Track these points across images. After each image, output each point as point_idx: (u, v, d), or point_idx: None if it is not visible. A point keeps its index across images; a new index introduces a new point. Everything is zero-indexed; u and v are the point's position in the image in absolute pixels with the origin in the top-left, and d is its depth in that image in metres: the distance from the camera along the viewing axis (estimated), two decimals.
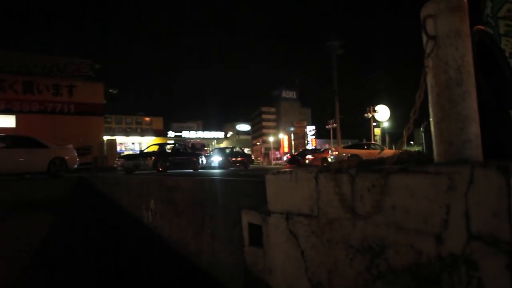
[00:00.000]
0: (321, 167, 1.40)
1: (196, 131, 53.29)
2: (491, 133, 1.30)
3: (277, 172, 1.62)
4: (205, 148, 24.10)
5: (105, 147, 27.42)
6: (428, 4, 1.18)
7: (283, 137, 55.29)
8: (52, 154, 10.97)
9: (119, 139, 37.42)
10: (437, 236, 0.92)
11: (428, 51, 1.22)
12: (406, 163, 1.16)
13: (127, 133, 41.86)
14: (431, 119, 1.24)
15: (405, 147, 1.36)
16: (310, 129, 52.95)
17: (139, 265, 2.32)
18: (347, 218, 1.21)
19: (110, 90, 29.63)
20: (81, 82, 28.57)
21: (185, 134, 48.39)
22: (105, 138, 30.23)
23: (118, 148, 31.70)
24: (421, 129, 1.88)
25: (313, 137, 52.13)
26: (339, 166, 1.36)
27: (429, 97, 1.22)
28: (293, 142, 51.38)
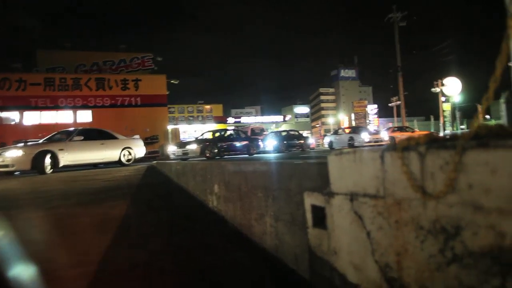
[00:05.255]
0: (387, 145, 1.34)
1: (255, 116, 53.91)
2: None
3: (340, 152, 1.57)
4: (264, 133, 24.31)
5: (169, 136, 28.88)
6: None
7: (342, 118, 53.68)
8: (122, 144, 11.91)
9: (182, 127, 39.22)
10: None
11: (511, 11, 1.08)
12: (484, 138, 1.06)
13: (189, 122, 43.61)
14: None
15: (481, 122, 1.24)
16: (372, 108, 50.60)
17: (208, 245, 2.44)
18: (416, 198, 1.14)
19: (172, 81, 30.99)
20: (146, 76, 30.28)
21: (245, 119, 49.22)
22: (169, 127, 31.82)
23: (182, 136, 33.20)
24: (501, 100, 1.70)
25: (376, 116, 49.78)
26: (407, 143, 1.28)
27: None
28: (354, 123, 49.63)
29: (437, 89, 27.85)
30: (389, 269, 1.24)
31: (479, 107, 1.57)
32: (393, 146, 1.35)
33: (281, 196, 1.98)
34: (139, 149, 12.49)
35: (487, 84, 1.15)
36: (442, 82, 26.90)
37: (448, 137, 1.37)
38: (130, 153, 12.12)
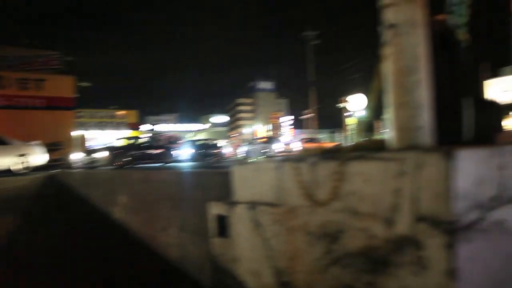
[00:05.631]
0: (284, 157, 1.43)
1: (172, 123, 52.59)
2: (448, 121, 1.35)
3: (243, 162, 1.63)
4: (180, 141, 23.86)
5: (75, 142, 26.56)
6: None
7: (257, 128, 55.21)
8: (15, 151, 10.57)
9: (93, 133, 36.40)
10: (387, 219, 0.95)
11: (385, 39, 1.25)
12: (365, 151, 1.19)
13: (101, 127, 40.69)
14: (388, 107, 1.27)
15: (364, 136, 1.40)
16: (287, 119, 52.94)
17: (110, 260, 2.30)
18: (307, 206, 1.24)
19: (83, 84, 28.63)
20: (51, 76, 27.41)
21: (161, 127, 47.72)
22: (76, 133, 29.28)
23: (92, 143, 30.73)
24: (383, 117, 1.93)
25: (292, 127, 52.11)
26: (301, 155, 1.38)
27: (385, 85, 1.25)
28: (271, 133, 51.39)
29: (341, 105, 30.42)
30: (282, 273, 1.31)
31: (376, 123, 1.76)
32: (289, 157, 1.45)
33: (186, 206, 1.96)
34: (38, 157, 11.19)
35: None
36: (345, 99, 29.41)
37: (337, 149, 1.51)
38: (25, 161, 10.82)
